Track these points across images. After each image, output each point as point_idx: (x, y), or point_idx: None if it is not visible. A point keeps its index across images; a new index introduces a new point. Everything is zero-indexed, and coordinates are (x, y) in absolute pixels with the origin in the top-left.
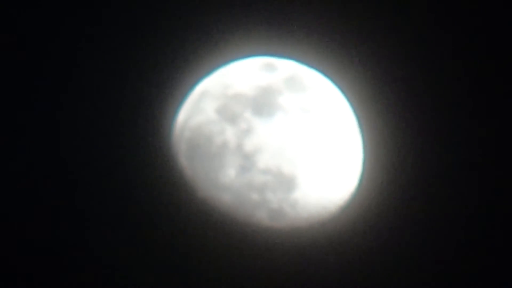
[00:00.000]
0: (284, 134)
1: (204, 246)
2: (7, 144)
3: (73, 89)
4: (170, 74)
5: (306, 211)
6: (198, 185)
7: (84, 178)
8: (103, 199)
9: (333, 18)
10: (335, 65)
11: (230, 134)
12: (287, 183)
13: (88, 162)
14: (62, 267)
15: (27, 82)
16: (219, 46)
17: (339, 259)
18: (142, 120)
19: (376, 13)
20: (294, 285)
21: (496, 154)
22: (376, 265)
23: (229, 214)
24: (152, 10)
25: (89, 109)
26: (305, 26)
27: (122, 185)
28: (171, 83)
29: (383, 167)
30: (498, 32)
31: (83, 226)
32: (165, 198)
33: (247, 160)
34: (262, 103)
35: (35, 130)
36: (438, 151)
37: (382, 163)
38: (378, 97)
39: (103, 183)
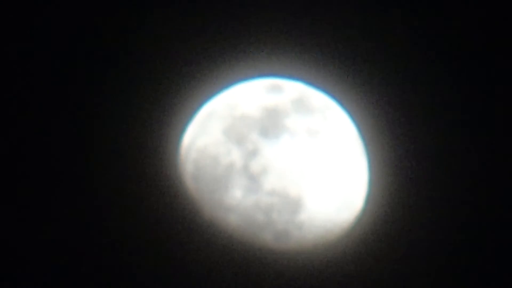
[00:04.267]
0: (291, 156)
1: (210, 267)
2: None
3: (79, 110)
4: (177, 94)
5: (311, 233)
6: (204, 206)
7: (89, 199)
8: (109, 220)
9: (340, 40)
10: (342, 87)
11: (236, 155)
12: (293, 204)
13: (94, 183)
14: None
15: (39, 106)
16: (226, 67)
17: (344, 281)
18: (149, 140)
19: (385, 37)
20: None
21: (499, 176)
22: (381, 285)
23: (235, 235)
24: (159, 32)
25: (96, 130)
26: (312, 48)
27: (128, 205)
28: (177, 104)
29: (389, 189)
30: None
31: (87, 245)
32: (171, 219)
33: (253, 182)
34: (269, 124)
35: (42, 154)
36: (444, 174)
37: (388, 186)
38: (385, 120)
39: (109, 204)
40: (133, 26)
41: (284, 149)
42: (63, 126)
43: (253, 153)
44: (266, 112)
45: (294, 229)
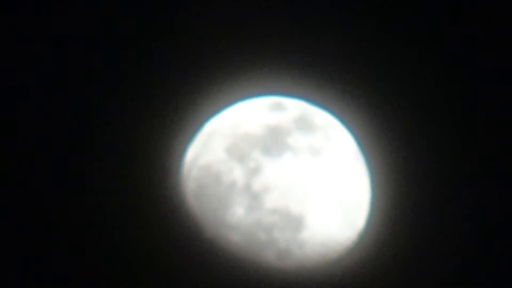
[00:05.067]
0: (293, 174)
1: (211, 286)
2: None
3: (81, 126)
4: (179, 112)
5: (313, 251)
6: (205, 224)
7: (91, 216)
8: (109, 237)
9: (343, 59)
10: (344, 106)
11: (238, 173)
12: (295, 223)
13: (96, 200)
14: None
15: (40, 121)
16: (228, 85)
17: None
18: (151, 158)
19: (387, 55)
20: None
21: (502, 187)
22: None
23: (237, 254)
24: (161, 50)
25: (97, 148)
26: (314, 66)
27: (129, 223)
28: (180, 122)
29: (391, 207)
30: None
31: (86, 262)
32: (172, 237)
33: (255, 200)
34: (271, 142)
35: (43, 163)
36: (448, 193)
37: (390, 204)
38: (387, 138)
39: (109, 220)
40: (136, 43)
41: (286, 167)
42: (64, 142)
43: (255, 171)
44: (268, 130)
45: (296, 248)
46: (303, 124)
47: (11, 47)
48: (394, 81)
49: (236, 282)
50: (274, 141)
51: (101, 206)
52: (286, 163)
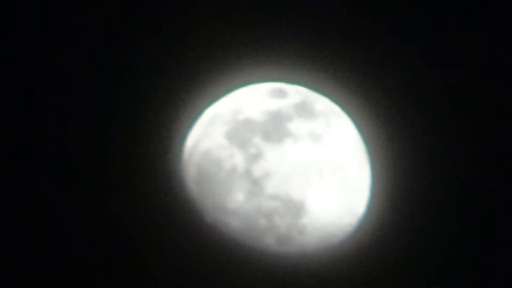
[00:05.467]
0: (293, 160)
1: (211, 271)
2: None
3: (83, 112)
4: (180, 99)
5: (313, 237)
6: (206, 210)
7: (91, 201)
8: (110, 222)
9: (344, 45)
10: (345, 92)
11: (239, 159)
12: (295, 209)
13: (96, 186)
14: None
15: (41, 109)
16: (229, 71)
17: (346, 285)
18: (151, 144)
19: (389, 42)
20: None
21: (503, 178)
22: None
23: (237, 239)
24: (163, 36)
25: (99, 133)
26: (315, 53)
27: (130, 208)
28: (180, 108)
29: (391, 193)
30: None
31: (88, 249)
32: (173, 223)
33: (256, 186)
34: (272, 128)
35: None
36: (447, 178)
37: (390, 190)
38: (387, 125)
39: (111, 206)
40: (138, 30)
41: (286, 153)
42: (66, 129)
43: (255, 157)
44: (269, 116)
45: (296, 233)
46: (304, 111)
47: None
48: (395, 68)
49: (236, 267)
50: (275, 127)
51: (102, 193)
52: (286, 149)
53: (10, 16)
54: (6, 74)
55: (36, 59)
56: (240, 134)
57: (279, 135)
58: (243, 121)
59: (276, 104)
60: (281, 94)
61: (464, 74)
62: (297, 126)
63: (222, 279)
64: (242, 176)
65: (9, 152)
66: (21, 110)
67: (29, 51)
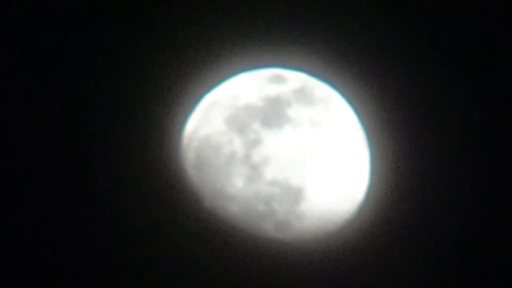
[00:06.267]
0: (292, 146)
1: (209, 256)
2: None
3: (79, 99)
4: (180, 84)
5: (312, 223)
6: (205, 195)
7: (90, 187)
8: (110, 208)
9: (344, 31)
10: (344, 78)
11: (238, 145)
12: (294, 194)
13: (96, 172)
14: (65, 272)
15: (37, 97)
16: (229, 56)
17: (344, 271)
18: (151, 129)
19: (388, 29)
20: None
21: (499, 167)
22: (382, 277)
23: (236, 225)
24: (162, 22)
25: (98, 120)
26: (315, 38)
27: (129, 194)
28: (180, 93)
29: (390, 180)
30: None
31: (87, 234)
32: (172, 208)
33: (255, 171)
34: (271, 114)
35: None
36: (445, 164)
37: (389, 177)
38: (387, 111)
39: (110, 191)
40: (136, 15)
41: (286, 139)
42: (63, 115)
43: (255, 143)
44: (268, 102)
45: (294, 219)
46: (303, 96)
47: None
48: (394, 54)
49: (235, 252)
50: (274, 113)
51: (102, 178)
52: (286, 135)
53: None
54: None
55: (25, 52)
56: (240, 119)
57: (279, 121)
58: (242, 106)
59: (275, 90)
60: (281, 80)
61: (465, 61)
62: (296, 112)
63: (220, 264)
64: (241, 162)
65: None
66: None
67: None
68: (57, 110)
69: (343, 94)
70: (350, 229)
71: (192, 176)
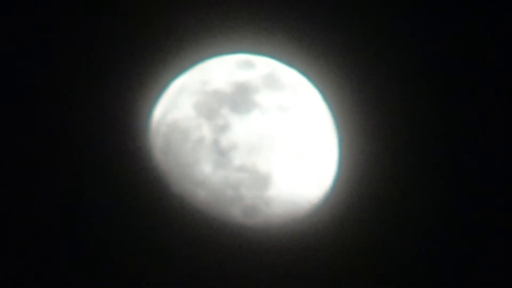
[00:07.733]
0: (261, 132)
1: (177, 242)
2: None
3: (47, 86)
4: (147, 69)
5: (280, 209)
6: (173, 181)
7: (57, 173)
8: (76, 194)
9: (313, 17)
10: (313, 64)
11: (206, 130)
12: (262, 180)
13: (62, 157)
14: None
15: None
16: (197, 42)
17: (312, 257)
18: (119, 114)
19: (358, 15)
20: (266, 282)
21: (475, 145)
22: (349, 264)
23: (204, 210)
24: (130, 7)
25: (65, 104)
26: (284, 24)
27: (95, 179)
28: (148, 78)
29: (358, 166)
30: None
31: (59, 222)
32: (139, 193)
33: (223, 157)
34: (240, 100)
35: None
36: (414, 151)
37: (358, 162)
38: (355, 97)
39: (77, 178)
40: (104, 2)
41: (254, 124)
42: (32, 101)
43: (223, 128)
44: (237, 87)
45: (262, 205)
46: (272, 82)
47: None
48: (363, 39)
49: (202, 238)
50: (242, 99)
51: (69, 163)
52: (254, 120)
53: None
54: None
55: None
56: (208, 105)
57: (247, 106)
58: (211, 92)
59: (244, 76)
60: (249, 65)
61: (431, 44)
62: (264, 97)
63: (188, 249)
64: (210, 147)
65: None
66: None
67: None
68: (21, 98)
69: (311, 80)
70: (318, 214)
71: (159, 161)
